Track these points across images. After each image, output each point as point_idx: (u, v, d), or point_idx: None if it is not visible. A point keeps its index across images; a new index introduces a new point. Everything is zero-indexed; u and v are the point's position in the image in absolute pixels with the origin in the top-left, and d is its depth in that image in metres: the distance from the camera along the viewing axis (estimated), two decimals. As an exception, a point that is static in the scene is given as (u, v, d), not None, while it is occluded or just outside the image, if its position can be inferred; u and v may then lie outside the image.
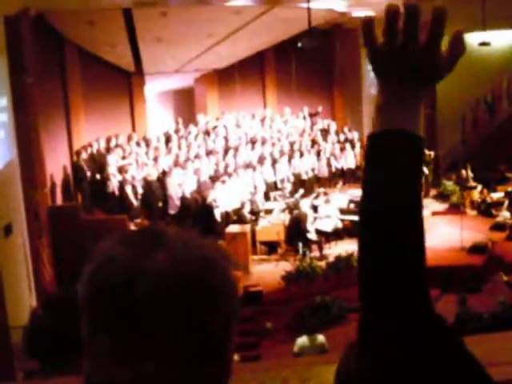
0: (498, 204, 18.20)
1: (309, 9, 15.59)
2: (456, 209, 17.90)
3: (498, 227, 16.90)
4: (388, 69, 1.03)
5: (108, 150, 18.35)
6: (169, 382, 0.84)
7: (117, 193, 16.56)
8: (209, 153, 18.59)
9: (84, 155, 17.68)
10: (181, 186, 16.47)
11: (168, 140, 19.38)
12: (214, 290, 0.87)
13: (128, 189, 16.35)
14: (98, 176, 17.30)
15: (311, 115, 20.99)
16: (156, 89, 21.84)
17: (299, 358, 8.44)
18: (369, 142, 1.02)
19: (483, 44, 22.96)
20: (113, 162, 17.17)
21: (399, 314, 0.95)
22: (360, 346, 1.02)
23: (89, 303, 0.87)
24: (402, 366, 0.93)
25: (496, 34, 22.19)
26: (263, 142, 19.54)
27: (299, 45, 16.94)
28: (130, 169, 16.82)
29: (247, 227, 15.49)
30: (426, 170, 19.98)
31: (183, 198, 16.35)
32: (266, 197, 17.27)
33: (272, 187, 17.82)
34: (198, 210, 16.13)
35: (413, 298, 0.96)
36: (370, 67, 1.09)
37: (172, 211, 16.28)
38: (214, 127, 20.12)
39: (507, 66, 22.25)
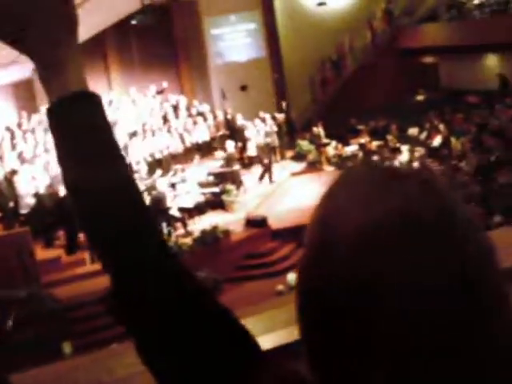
0: (353, 157, 18.69)
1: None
2: (313, 167, 18.18)
3: (354, 179, 17.39)
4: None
5: None
6: None
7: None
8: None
9: None
10: (31, 184, 15.58)
11: (12, 136, 18.26)
12: None
13: (-27, 194, 15.26)
14: None
15: (158, 92, 20.54)
16: (-7, 84, 20.52)
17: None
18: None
19: (321, 4, 23.51)
20: None
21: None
22: None
23: None
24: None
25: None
26: (112, 125, 18.79)
27: (134, 22, 16.58)
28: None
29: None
30: (273, 137, 19.96)
31: (37, 195, 15.48)
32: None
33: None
34: (52, 205, 15.32)
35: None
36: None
37: (24, 211, 15.34)
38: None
39: (347, 25, 22.89)
